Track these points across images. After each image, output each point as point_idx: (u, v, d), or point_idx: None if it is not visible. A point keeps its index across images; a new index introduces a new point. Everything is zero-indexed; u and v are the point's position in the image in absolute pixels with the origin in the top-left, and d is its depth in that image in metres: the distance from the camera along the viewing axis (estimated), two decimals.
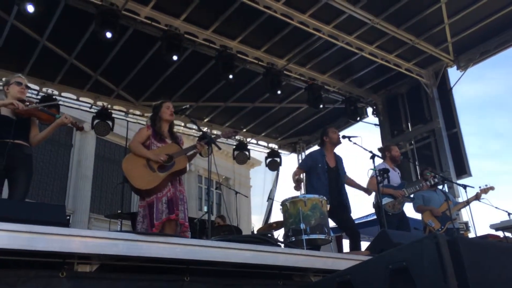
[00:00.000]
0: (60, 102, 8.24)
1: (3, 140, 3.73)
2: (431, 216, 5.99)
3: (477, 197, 6.10)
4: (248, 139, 10.83)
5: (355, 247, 5.08)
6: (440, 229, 5.87)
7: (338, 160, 5.48)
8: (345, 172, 5.52)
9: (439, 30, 7.84)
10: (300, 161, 11.04)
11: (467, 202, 6.13)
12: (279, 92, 8.08)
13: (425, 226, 6.03)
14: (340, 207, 5.22)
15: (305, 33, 7.46)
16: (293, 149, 11.55)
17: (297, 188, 5.23)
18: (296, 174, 5.29)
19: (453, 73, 8.82)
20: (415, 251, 2.17)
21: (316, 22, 7.33)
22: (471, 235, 6.23)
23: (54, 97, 8.08)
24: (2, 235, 2.21)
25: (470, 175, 8.10)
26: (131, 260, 2.67)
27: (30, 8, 5.70)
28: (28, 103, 3.93)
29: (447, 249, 2.05)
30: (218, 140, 4.37)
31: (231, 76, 7.46)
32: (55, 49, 7.41)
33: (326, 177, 5.21)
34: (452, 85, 8.66)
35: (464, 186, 6.05)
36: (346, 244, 9.02)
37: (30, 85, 4.38)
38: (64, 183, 16.34)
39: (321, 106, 8.75)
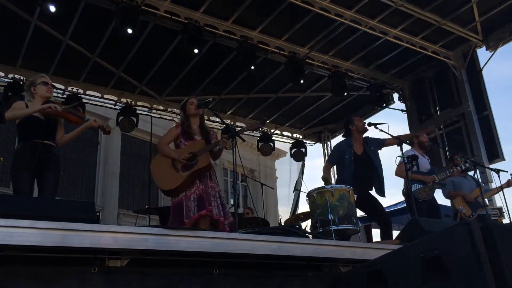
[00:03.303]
0: (85, 100, 8.44)
1: (33, 141, 3.82)
2: (462, 202, 5.88)
3: (508, 184, 5.96)
4: (272, 130, 10.82)
5: (386, 236, 5.03)
6: (471, 216, 5.77)
7: (366, 143, 5.38)
8: (382, 141, 5.37)
9: (466, 9, 7.61)
10: (328, 151, 11.00)
11: (500, 189, 6.00)
12: (302, 81, 8.01)
13: (456, 212, 5.92)
14: (370, 195, 5.19)
15: (326, 19, 7.36)
16: (318, 138, 11.49)
17: (325, 180, 5.23)
18: (326, 168, 5.36)
19: (482, 53, 8.60)
20: (448, 239, 2.14)
21: (337, 8, 7.22)
22: (506, 221, 6.10)
23: (79, 95, 8.26)
24: (36, 233, 2.29)
25: (503, 159, 7.89)
26: (160, 254, 2.72)
27: (52, 8, 5.82)
28: (55, 104, 4.02)
29: (481, 236, 2.01)
30: (244, 132, 4.38)
31: (252, 67, 7.45)
32: (78, 48, 7.55)
33: (352, 166, 5.18)
34: (481, 66, 8.43)
35: (497, 171, 5.92)
36: (375, 233, 8.96)
37: (55, 84, 4.48)
38: (92, 180, 16.69)
39: (346, 93, 8.65)
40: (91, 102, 8.67)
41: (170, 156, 4.16)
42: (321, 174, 5.35)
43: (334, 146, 5.74)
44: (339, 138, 6.59)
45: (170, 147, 4.31)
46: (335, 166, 5.56)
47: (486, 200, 6.04)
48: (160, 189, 4.15)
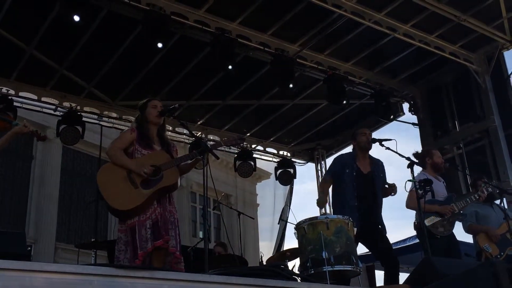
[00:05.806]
0: (17, 104, 8.31)
1: None
2: (487, 239, 5.91)
3: None
4: (254, 146, 10.84)
5: (392, 279, 5.05)
6: (499, 256, 5.80)
7: (375, 164, 5.43)
8: (385, 180, 5.47)
9: (491, 4, 7.79)
10: (323, 172, 11.02)
11: None
12: (291, 85, 8.09)
13: (480, 251, 5.96)
14: (374, 226, 5.21)
15: (322, 10, 7.43)
16: (310, 157, 11.55)
17: (320, 204, 5.21)
18: (321, 185, 5.32)
19: (510, 56, 8.80)
20: (467, 283, 2.16)
21: None
22: None
23: (10, 97, 8.14)
24: None
25: None
26: None
27: None
28: None
29: (508, 280, 2.04)
30: (218, 148, 4.40)
31: (230, 67, 7.48)
32: (10, 38, 7.45)
33: (355, 187, 5.20)
34: (510, 71, 8.63)
35: None
36: (379, 276, 8.97)
37: None
38: (23, 204, 16.40)
39: (345, 102, 8.75)
40: (24, 106, 8.57)
41: (126, 167, 4.11)
42: (315, 199, 5.34)
43: (334, 159, 5.75)
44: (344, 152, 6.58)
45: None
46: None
47: None
48: (110, 207, 4.06)
